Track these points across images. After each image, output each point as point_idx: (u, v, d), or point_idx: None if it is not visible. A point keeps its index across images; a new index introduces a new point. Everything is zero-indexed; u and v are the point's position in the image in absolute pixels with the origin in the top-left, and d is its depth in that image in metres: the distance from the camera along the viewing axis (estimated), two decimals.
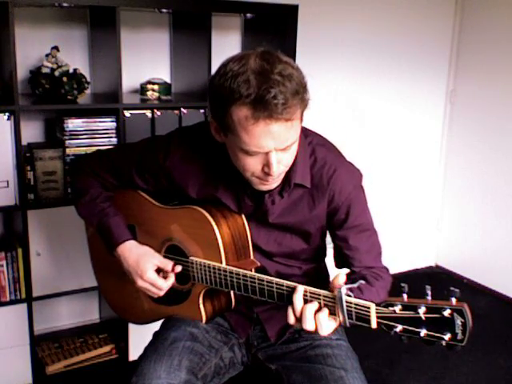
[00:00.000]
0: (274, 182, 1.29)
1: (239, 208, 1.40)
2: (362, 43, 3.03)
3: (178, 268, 1.44)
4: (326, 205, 1.37)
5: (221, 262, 1.35)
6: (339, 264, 1.45)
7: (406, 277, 3.41)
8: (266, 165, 1.21)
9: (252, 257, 1.41)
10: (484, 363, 2.58)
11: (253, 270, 1.37)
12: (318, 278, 1.52)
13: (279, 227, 1.41)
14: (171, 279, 1.43)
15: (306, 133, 1.38)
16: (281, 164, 1.23)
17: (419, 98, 3.34)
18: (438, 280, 3.46)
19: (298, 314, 1.20)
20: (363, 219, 1.41)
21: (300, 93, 1.16)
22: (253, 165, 1.23)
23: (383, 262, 1.45)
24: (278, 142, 1.17)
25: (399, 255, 3.48)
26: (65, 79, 2.16)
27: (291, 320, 1.22)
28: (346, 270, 1.41)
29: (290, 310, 1.22)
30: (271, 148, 1.18)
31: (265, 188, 1.31)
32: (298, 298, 1.21)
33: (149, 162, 1.45)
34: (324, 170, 1.36)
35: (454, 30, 3.34)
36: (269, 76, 1.13)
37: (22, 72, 2.19)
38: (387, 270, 1.43)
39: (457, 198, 3.49)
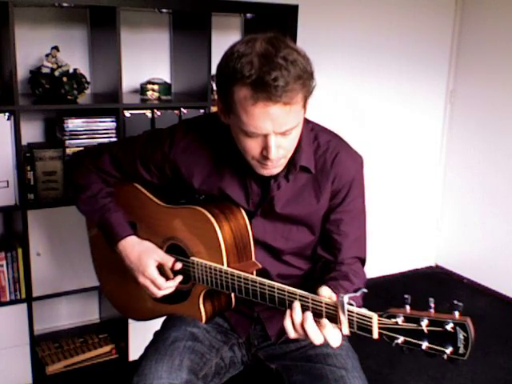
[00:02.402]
0: (274, 167, 1.29)
1: (246, 196, 1.40)
2: (362, 43, 3.04)
3: (178, 265, 1.43)
4: (330, 188, 1.38)
5: (222, 263, 1.35)
6: (323, 250, 1.44)
7: (406, 277, 3.41)
8: (265, 148, 1.22)
9: (254, 258, 1.41)
10: (484, 363, 2.58)
11: (254, 271, 1.37)
12: (316, 278, 1.51)
13: (285, 218, 1.40)
14: (173, 282, 1.43)
15: (306, 120, 1.38)
16: (280, 149, 1.23)
17: (419, 98, 3.34)
18: (438, 280, 3.46)
19: (298, 326, 1.19)
20: (358, 205, 1.42)
21: (302, 78, 1.16)
22: (253, 147, 1.23)
23: (381, 262, 1.45)
24: (276, 124, 1.18)
25: (399, 255, 3.48)
26: (65, 79, 2.16)
27: (292, 334, 1.19)
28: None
29: (288, 324, 1.19)
30: (269, 130, 1.19)
31: (266, 173, 1.30)
32: (296, 311, 1.19)
33: (153, 153, 1.44)
34: (327, 153, 1.37)
35: (454, 29, 3.34)
36: (272, 59, 1.14)
37: (22, 72, 2.19)
38: (364, 262, 1.45)
39: (457, 198, 3.49)
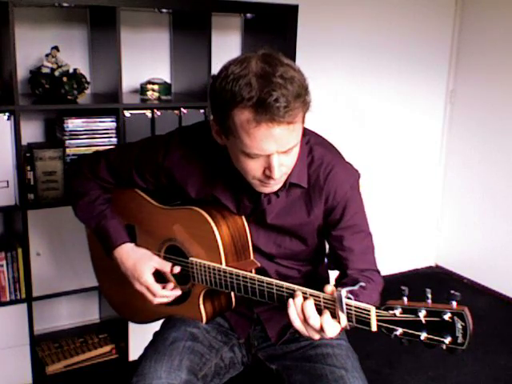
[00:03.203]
0: (275, 185, 1.29)
1: (238, 208, 1.40)
2: (361, 43, 3.03)
3: (177, 269, 1.44)
4: (322, 205, 1.37)
5: (221, 263, 1.35)
6: (333, 265, 1.44)
7: (406, 277, 3.41)
8: (268, 168, 1.21)
9: (252, 257, 1.41)
10: (484, 363, 2.58)
11: (253, 270, 1.37)
12: (317, 279, 1.52)
13: (277, 229, 1.41)
14: (169, 292, 1.43)
15: (303, 132, 1.38)
16: (282, 167, 1.23)
17: (419, 98, 3.34)
18: (438, 280, 3.46)
19: (299, 310, 1.20)
20: (358, 220, 1.40)
21: (302, 95, 1.16)
22: (254, 168, 1.22)
23: (381, 262, 1.44)
24: (279, 144, 1.17)
25: (399, 255, 3.48)
26: (65, 79, 2.16)
27: (297, 322, 1.20)
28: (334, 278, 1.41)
29: (292, 313, 1.20)
30: (273, 151, 1.18)
31: (267, 191, 1.31)
32: (297, 301, 1.20)
33: (148, 162, 1.45)
34: (321, 169, 1.35)
35: (454, 29, 3.34)
36: (270, 79, 1.12)
37: (21, 72, 2.19)
38: (379, 272, 1.42)
39: (457, 198, 3.49)
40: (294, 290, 1.22)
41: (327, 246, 1.52)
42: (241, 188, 1.37)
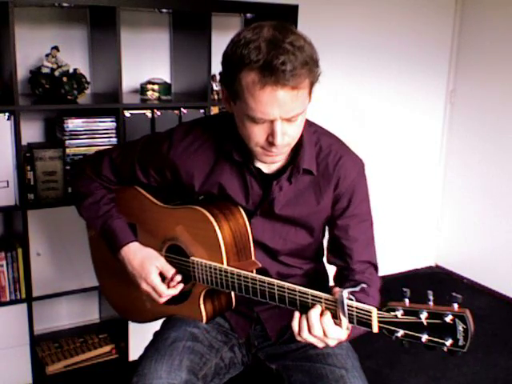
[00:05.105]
0: (277, 155, 1.28)
1: (246, 197, 1.40)
2: (361, 43, 3.04)
3: (178, 278, 1.43)
4: (331, 192, 1.37)
5: (222, 263, 1.35)
6: (333, 257, 1.44)
7: (406, 277, 3.41)
8: (271, 134, 1.22)
9: (253, 257, 1.41)
10: (484, 363, 2.58)
11: (254, 270, 1.37)
12: (318, 278, 1.52)
13: (284, 220, 1.40)
14: (174, 290, 1.43)
15: (309, 123, 1.39)
16: (286, 136, 1.23)
17: (419, 98, 3.34)
18: (438, 280, 3.46)
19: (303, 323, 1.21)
20: (364, 208, 1.42)
21: (309, 64, 1.17)
22: (258, 133, 1.23)
23: (381, 262, 1.45)
24: (283, 110, 1.18)
25: (399, 255, 3.48)
26: (65, 79, 2.16)
27: (295, 327, 1.21)
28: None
29: (296, 321, 1.21)
30: (276, 116, 1.18)
31: (268, 160, 1.30)
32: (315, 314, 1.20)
33: (152, 155, 1.44)
34: (330, 157, 1.37)
35: (454, 30, 3.34)
36: (279, 44, 1.14)
37: (22, 72, 2.19)
38: (377, 268, 1.44)
39: (457, 198, 3.49)
40: (294, 291, 1.23)
41: (325, 242, 1.52)
42: (250, 176, 1.37)
